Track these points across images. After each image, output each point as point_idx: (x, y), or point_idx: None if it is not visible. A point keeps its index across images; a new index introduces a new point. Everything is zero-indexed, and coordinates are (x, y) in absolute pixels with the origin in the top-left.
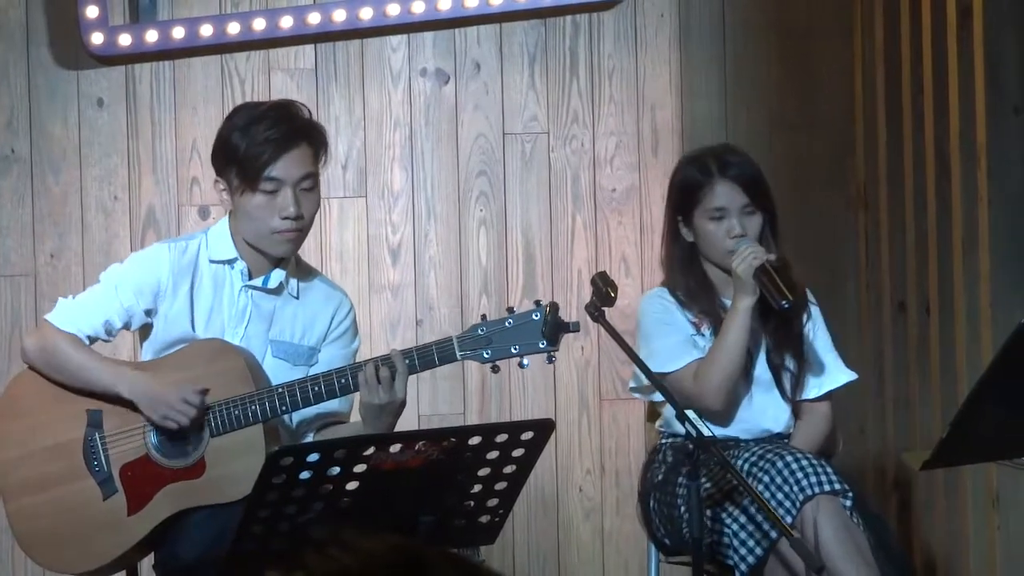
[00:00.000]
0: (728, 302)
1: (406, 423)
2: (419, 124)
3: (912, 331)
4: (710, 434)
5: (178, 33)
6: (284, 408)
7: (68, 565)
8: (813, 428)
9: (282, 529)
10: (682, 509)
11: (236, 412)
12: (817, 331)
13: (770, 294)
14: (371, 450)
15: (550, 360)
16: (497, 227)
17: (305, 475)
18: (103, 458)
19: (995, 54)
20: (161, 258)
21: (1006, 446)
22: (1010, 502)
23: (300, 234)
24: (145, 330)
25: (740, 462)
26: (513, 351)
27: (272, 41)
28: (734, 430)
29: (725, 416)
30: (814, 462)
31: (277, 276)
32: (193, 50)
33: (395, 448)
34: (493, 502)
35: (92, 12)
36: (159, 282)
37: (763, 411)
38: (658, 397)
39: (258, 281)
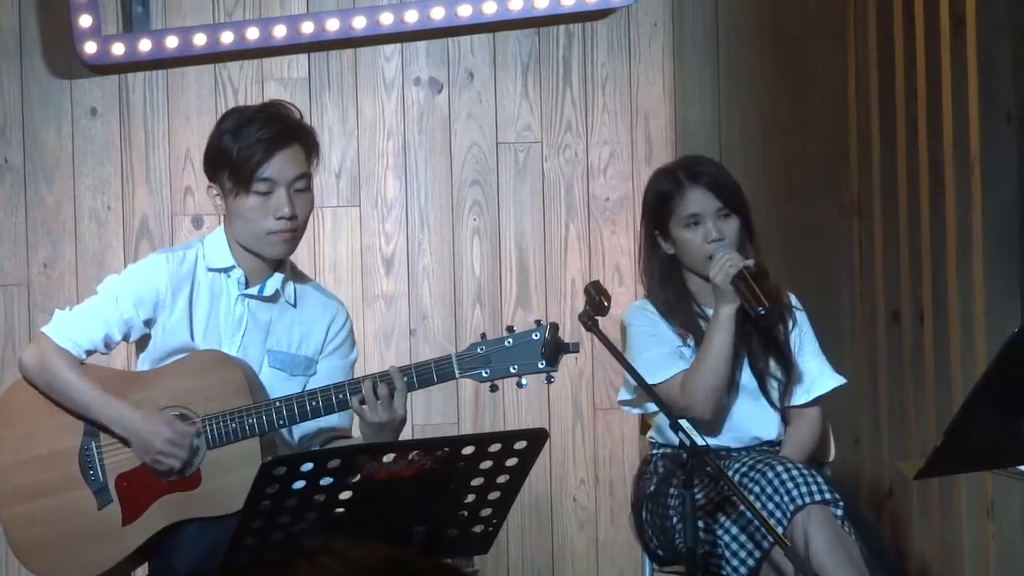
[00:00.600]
0: (709, 311)
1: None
2: (412, 133)
3: (906, 340)
4: (704, 443)
5: (171, 42)
6: (281, 422)
7: (61, 574)
8: (803, 434)
9: (276, 539)
10: (675, 519)
11: (233, 425)
12: (804, 337)
13: (747, 301)
14: (364, 460)
15: (549, 381)
16: (491, 236)
17: (298, 485)
18: (99, 467)
19: (988, 62)
20: (159, 268)
21: (1000, 455)
22: (1004, 511)
23: (295, 235)
24: (142, 341)
25: (731, 472)
26: (512, 371)
27: (265, 50)
28: (724, 439)
29: (714, 425)
30: (804, 472)
31: (273, 283)
32: (186, 59)
33: (388, 458)
34: (486, 512)
35: (85, 21)
36: (158, 292)
37: (751, 419)
38: (650, 408)
39: (254, 290)
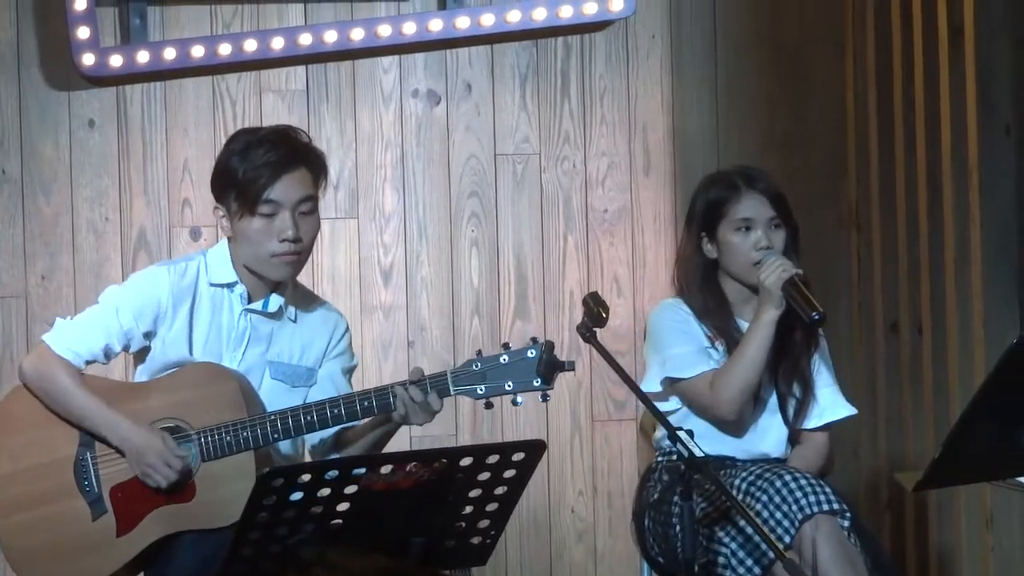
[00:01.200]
0: (742, 323)
1: (398, 444)
2: (411, 145)
3: (904, 350)
4: (702, 455)
5: (169, 54)
6: (276, 436)
7: None
8: (810, 456)
9: (273, 551)
10: (677, 528)
11: (228, 438)
12: (823, 361)
13: (800, 306)
14: (362, 471)
15: (544, 399)
16: (489, 248)
17: (296, 496)
18: (94, 478)
19: (986, 72)
20: (161, 280)
21: (999, 466)
22: (1004, 523)
23: (299, 257)
24: (141, 353)
25: (738, 481)
26: (507, 388)
27: (263, 62)
28: (731, 450)
29: (737, 427)
30: (812, 482)
31: (276, 301)
32: (184, 71)
33: (386, 469)
34: (484, 523)
35: (83, 33)
36: (159, 304)
37: (763, 434)
38: (667, 406)
39: (258, 305)
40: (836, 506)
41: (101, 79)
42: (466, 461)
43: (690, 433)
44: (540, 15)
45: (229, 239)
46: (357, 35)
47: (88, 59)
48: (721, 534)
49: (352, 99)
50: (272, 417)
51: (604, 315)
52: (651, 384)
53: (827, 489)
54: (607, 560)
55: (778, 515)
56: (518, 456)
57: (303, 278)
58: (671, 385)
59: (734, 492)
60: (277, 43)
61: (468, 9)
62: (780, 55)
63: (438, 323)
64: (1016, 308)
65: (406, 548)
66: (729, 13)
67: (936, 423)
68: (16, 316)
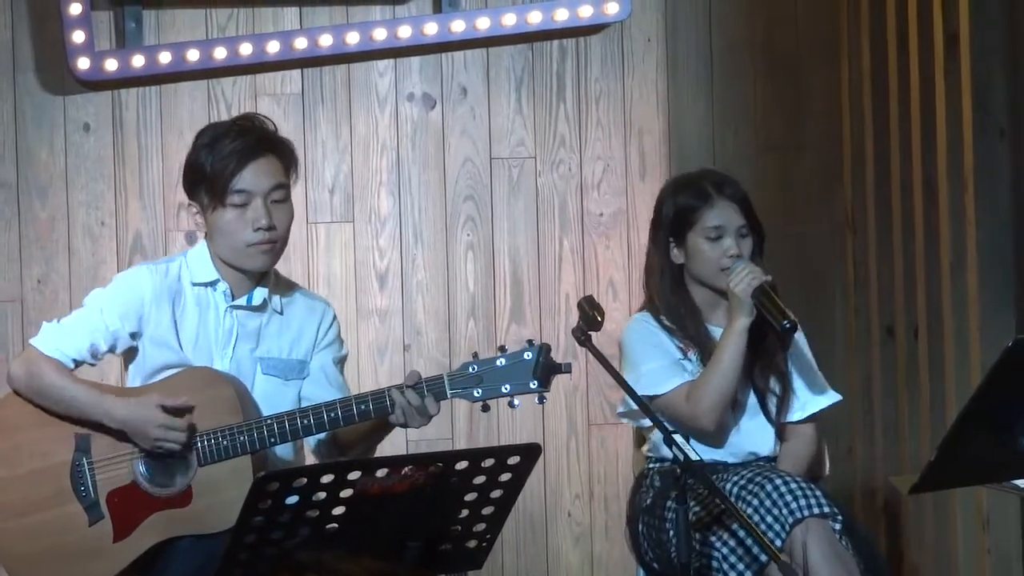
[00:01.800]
0: (713, 328)
1: (394, 447)
2: (406, 149)
3: (900, 355)
4: (697, 458)
5: (164, 58)
6: (273, 440)
7: None
8: (799, 450)
9: (269, 554)
10: (671, 533)
11: (224, 442)
12: (800, 354)
13: (771, 315)
14: (357, 475)
15: (540, 401)
16: (484, 252)
17: (291, 500)
18: (90, 483)
19: (982, 77)
20: (143, 280)
21: (995, 469)
22: (1000, 525)
23: (274, 246)
24: (130, 353)
25: (729, 485)
26: (504, 391)
27: (259, 66)
28: (721, 454)
29: (718, 437)
30: (803, 485)
31: (260, 294)
32: (180, 75)
33: (381, 473)
34: (480, 527)
35: (78, 37)
36: (142, 303)
37: (749, 434)
38: (647, 422)
39: (242, 300)
40: (827, 509)
41: (96, 83)
42: (462, 465)
43: (686, 438)
44: (535, 18)
45: (206, 236)
46: (352, 39)
47: (83, 63)
48: (713, 538)
49: (347, 103)
50: (268, 421)
51: (599, 319)
52: (627, 404)
53: (818, 492)
54: (603, 564)
55: (769, 519)
56: (514, 460)
57: (298, 281)
58: (649, 402)
59: None
60: (272, 47)
61: (463, 12)
62: (775, 59)
63: (434, 327)
64: (1011, 311)
65: (402, 552)
66: (724, 16)
67: (932, 426)
68: (12, 321)
